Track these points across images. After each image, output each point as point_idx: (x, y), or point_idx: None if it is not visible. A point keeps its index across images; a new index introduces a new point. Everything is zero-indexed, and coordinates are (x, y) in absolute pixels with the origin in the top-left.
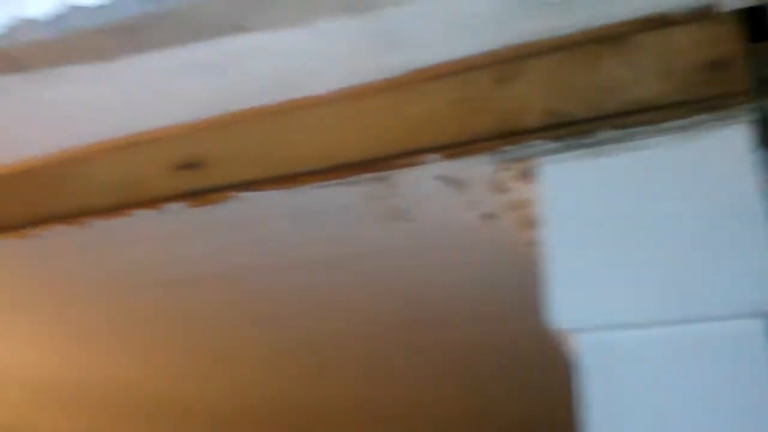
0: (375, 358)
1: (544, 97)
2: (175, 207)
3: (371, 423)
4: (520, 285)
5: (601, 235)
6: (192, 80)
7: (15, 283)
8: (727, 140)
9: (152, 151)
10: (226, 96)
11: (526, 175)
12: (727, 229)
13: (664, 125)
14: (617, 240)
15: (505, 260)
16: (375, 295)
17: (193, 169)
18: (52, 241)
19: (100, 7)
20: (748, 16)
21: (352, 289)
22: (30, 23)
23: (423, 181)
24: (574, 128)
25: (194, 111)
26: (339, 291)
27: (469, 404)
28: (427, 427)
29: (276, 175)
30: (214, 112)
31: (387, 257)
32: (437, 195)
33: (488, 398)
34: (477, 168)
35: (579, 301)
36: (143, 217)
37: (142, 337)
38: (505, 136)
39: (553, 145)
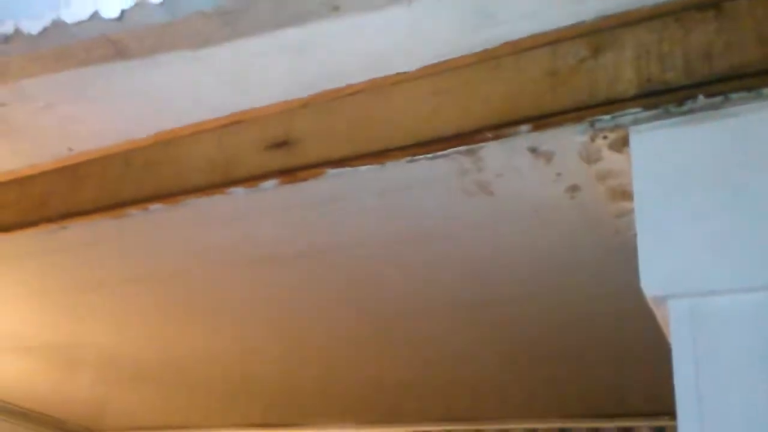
0: (453, 335)
1: (639, 65)
2: (267, 185)
3: (450, 399)
4: (603, 259)
5: (694, 202)
6: (284, 61)
7: (105, 262)
8: None
9: (245, 130)
10: (317, 76)
11: (619, 144)
12: None
13: (762, 91)
14: (710, 207)
15: (588, 234)
16: (455, 272)
17: (285, 148)
18: (147, 221)
19: None
20: None
21: (433, 267)
22: (142, 7)
23: (511, 154)
24: (669, 96)
25: (286, 91)
26: (420, 268)
27: (549, 379)
28: (504, 403)
29: (366, 152)
30: (305, 92)
31: (469, 233)
32: (524, 168)
33: (569, 373)
34: (568, 138)
35: (670, 267)
36: (237, 195)
37: (227, 316)
38: (599, 105)
39: (648, 113)
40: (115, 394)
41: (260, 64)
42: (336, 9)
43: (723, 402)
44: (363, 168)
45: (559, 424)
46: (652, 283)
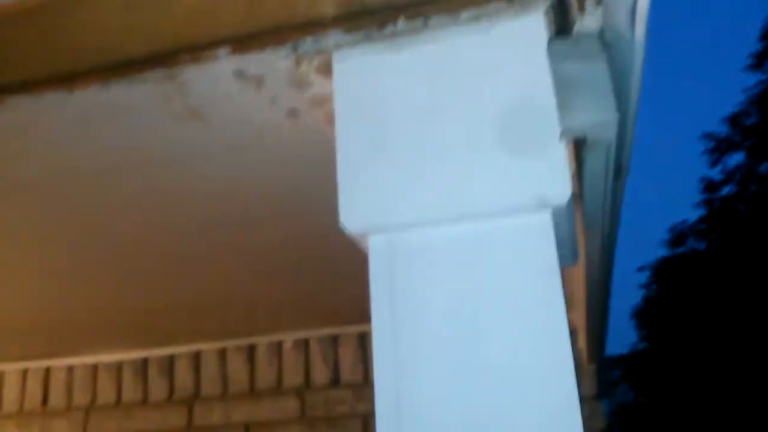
0: (212, 256)
1: None
2: None
3: (223, 316)
4: (326, 184)
5: (391, 134)
6: None
7: None
8: (523, 29)
9: None
10: None
11: (326, 70)
12: (517, 122)
13: (461, 15)
14: (406, 138)
15: (310, 158)
16: (177, 198)
17: None
18: None
19: None
20: None
21: (151, 194)
22: None
23: (216, 78)
24: (369, 18)
25: None
26: (135, 196)
27: (280, 297)
28: (276, 316)
29: (51, 76)
30: None
31: (186, 160)
32: (234, 93)
33: (296, 292)
34: (273, 62)
35: (368, 202)
36: None
37: None
38: (298, 28)
39: (349, 37)
40: None
41: None
42: None
43: (417, 340)
44: (48, 95)
45: (330, 331)
46: (350, 219)
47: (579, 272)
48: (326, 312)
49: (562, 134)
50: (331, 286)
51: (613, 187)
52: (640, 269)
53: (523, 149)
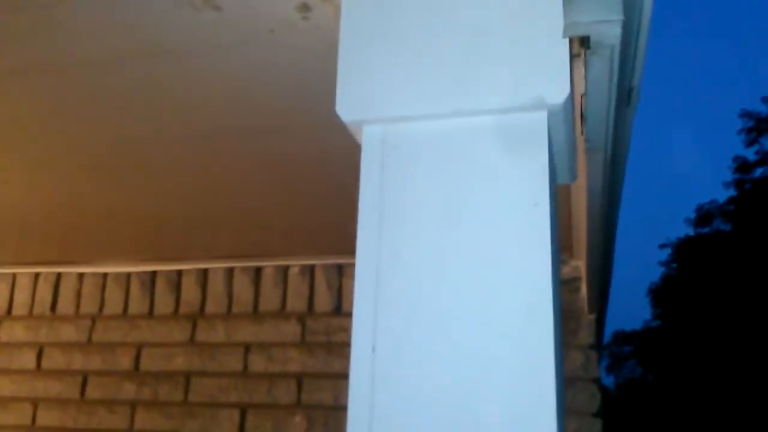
0: (191, 169)
1: None
2: None
3: (236, 235)
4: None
5: (396, 25)
6: None
7: None
8: None
9: None
10: None
11: None
12: (521, 19)
13: None
14: (409, 32)
15: (326, 58)
16: (187, 99)
17: None
18: None
19: None
20: None
21: (162, 90)
22: None
23: None
24: None
25: None
26: (146, 89)
27: (290, 223)
28: (245, 241)
29: None
30: None
31: (200, 51)
32: None
33: (307, 219)
34: None
35: (366, 91)
36: None
37: None
38: None
39: None
40: None
41: None
42: None
43: (401, 233)
44: None
45: (337, 260)
46: (346, 107)
47: (581, 210)
48: (334, 241)
49: (565, 30)
50: (340, 217)
51: (618, 110)
52: (662, 246)
53: (525, 47)
